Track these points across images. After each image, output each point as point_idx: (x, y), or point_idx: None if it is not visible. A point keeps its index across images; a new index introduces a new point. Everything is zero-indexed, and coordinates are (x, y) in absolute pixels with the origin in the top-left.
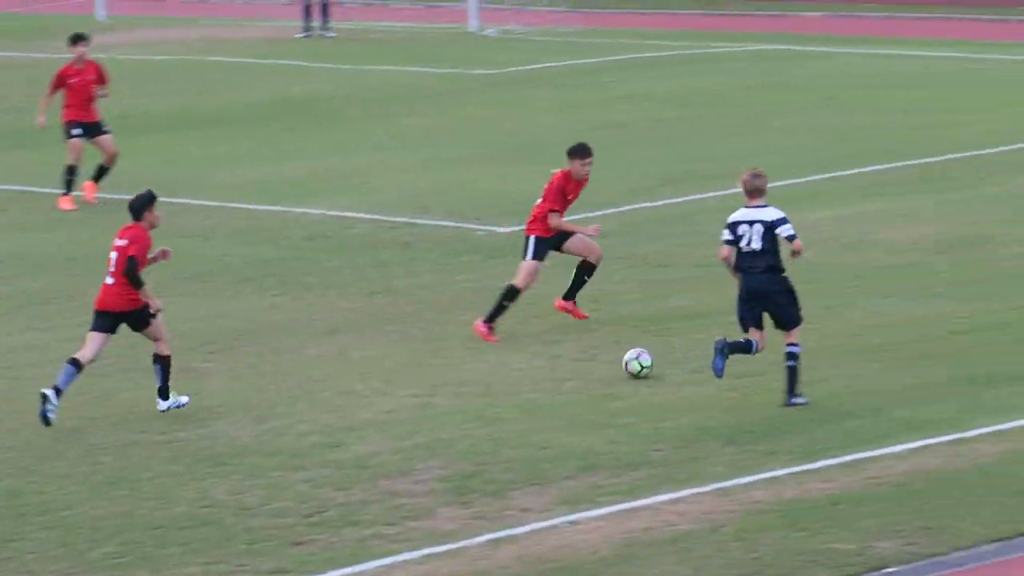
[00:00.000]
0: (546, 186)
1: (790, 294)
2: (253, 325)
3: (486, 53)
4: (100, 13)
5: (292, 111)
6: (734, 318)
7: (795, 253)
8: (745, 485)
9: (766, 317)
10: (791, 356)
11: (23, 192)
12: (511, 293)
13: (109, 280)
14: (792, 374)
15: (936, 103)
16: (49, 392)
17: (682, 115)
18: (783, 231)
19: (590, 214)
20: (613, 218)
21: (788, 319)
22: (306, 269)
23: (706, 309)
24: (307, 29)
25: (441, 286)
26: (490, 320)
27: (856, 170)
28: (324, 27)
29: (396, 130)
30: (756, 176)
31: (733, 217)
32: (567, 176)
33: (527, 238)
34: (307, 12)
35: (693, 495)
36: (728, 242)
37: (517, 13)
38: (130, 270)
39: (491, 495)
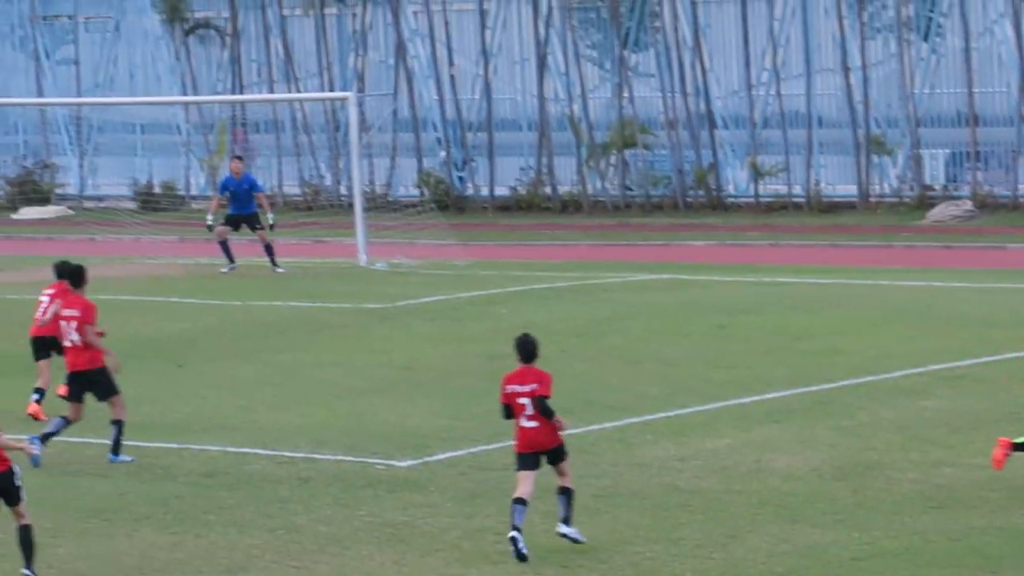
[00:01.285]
0: None
1: None
2: (154, 563)
3: (376, 287)
4: None
5: (178, 347)
6: None
7: None
8: None
9: None
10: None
11: None
12: None
13: (531, 423)
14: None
15: (824, 328)
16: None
17: (573, 345)
18: None
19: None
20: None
21: None
22: (205, 506)
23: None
24: (231, 262)
25: (342, 521)
26: None
27: (750, 398)
28: (273, 264)
29: (289, 365)
30: None
31: None
32: None
33: None
34: (225, 247)
35: None
36: None
37: (406, 247)
38: (544, 409)
39: None
